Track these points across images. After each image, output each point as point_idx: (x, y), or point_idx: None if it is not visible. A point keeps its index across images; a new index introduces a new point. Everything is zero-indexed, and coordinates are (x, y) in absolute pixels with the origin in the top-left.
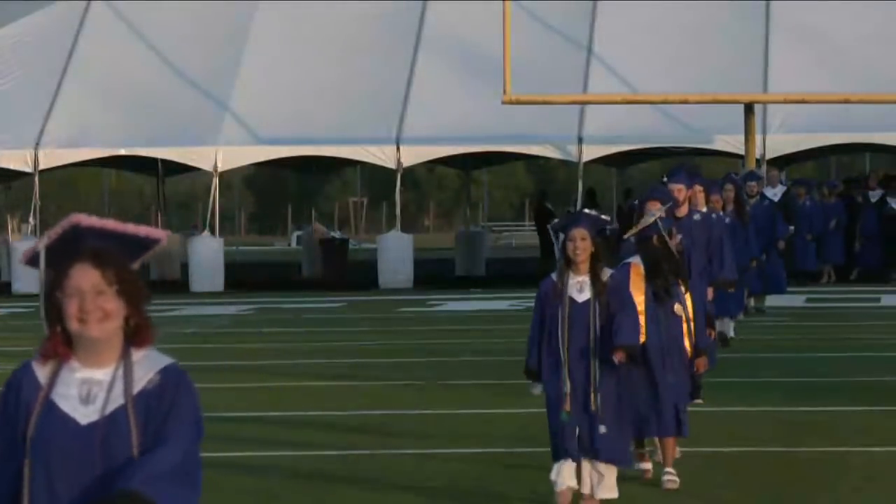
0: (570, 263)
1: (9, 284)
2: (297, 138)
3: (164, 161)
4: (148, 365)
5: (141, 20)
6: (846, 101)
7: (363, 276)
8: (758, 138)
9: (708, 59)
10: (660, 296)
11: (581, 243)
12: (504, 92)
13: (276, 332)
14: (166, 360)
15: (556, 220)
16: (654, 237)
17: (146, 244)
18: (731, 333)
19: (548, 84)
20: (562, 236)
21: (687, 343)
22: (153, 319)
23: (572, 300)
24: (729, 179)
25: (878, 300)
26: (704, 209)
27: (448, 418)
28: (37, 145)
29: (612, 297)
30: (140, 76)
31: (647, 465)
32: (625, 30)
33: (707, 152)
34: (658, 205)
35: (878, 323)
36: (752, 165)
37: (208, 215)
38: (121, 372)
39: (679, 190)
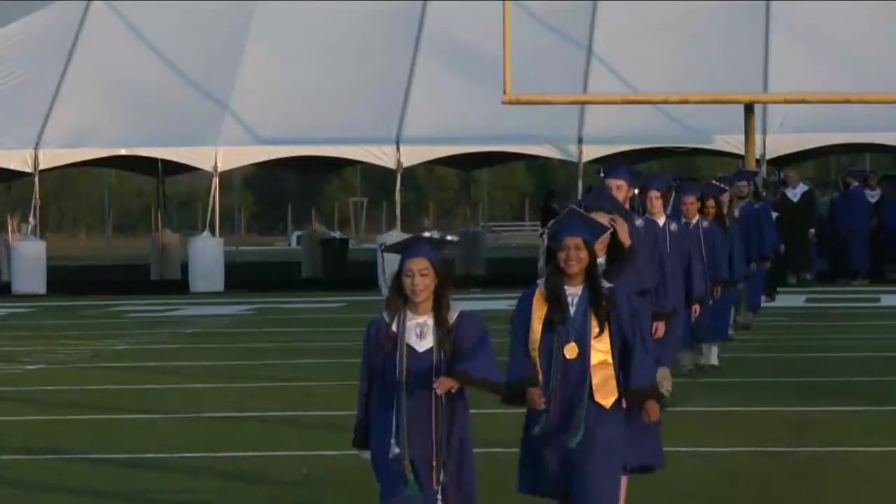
0: (406, 301)
1: (9, 284)
2: (297, 138)
3: (164, 161)
4: None
5: (141, 20)
6: (846, 101)
7: (363, 276)
8: (758, 138)
9: (708, 59)
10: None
11: (420, 279)
12: (504, 92)
13: (276, 332)
14: None
15: (392, 244)
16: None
17: None
18: (714, 361)
19: (548, 84)
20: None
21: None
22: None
23: (411, 349)
24: (712, 188)
25: (878, 300)
26: (661, 221)
27: None
28: (37, 145)
29: (463, 343)
30: (140, 76)
31: None
32: (625, 30)
33: (707, 152)
34: (602, 216)
35: (878, 323)
36: (752, 165)
37: (208, 215)
38: None
39: (618, 187)
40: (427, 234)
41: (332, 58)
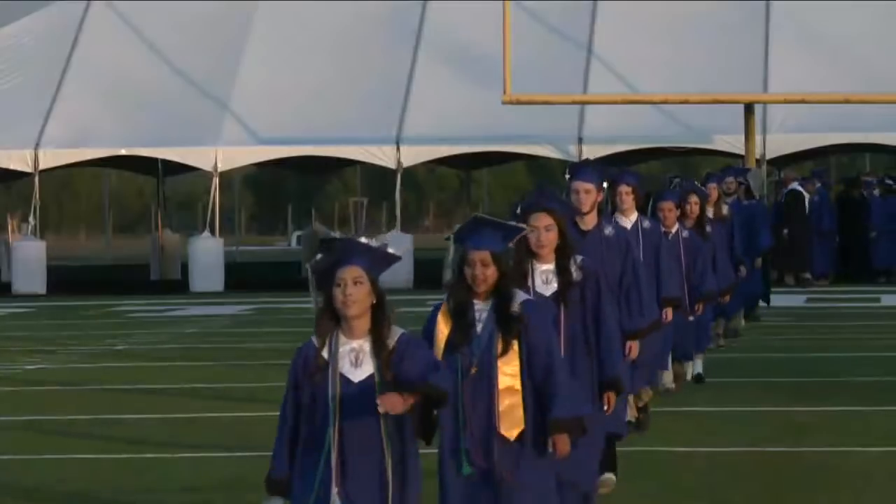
0: (337, 320)
1: (9, 284)
2: (297, 138)
3: (164, 161)
4: None
5: (141, 20)
6: (846, 101)
7: None
8: (758, 138)
9: (708, 59)
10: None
11: (353, 289)
12: (504, 92)
13: (276, 332)
14: None
15: (316, 259)
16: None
17: None
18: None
19: (548, 84)
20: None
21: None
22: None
23: (345, 378)
24: (693, 188)
25: (878, 300)
26: (632, 219)
27: None
28: (37, 145)
29: (403, 366)
30: (140, 76)
31: None
32: (625, 30)
33: (707, 152)
34: (547, 219)
35: (878, 323)
36: (752, 165)
37: (208, 215)
38: None
39: (587, 190)
40: (363, 240)
41: (332, 58)
